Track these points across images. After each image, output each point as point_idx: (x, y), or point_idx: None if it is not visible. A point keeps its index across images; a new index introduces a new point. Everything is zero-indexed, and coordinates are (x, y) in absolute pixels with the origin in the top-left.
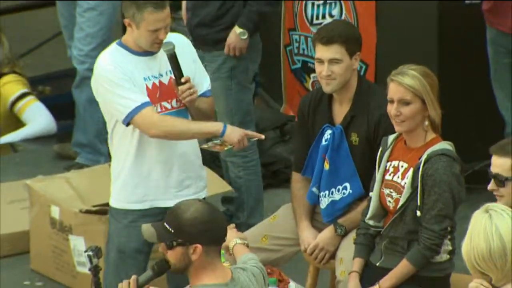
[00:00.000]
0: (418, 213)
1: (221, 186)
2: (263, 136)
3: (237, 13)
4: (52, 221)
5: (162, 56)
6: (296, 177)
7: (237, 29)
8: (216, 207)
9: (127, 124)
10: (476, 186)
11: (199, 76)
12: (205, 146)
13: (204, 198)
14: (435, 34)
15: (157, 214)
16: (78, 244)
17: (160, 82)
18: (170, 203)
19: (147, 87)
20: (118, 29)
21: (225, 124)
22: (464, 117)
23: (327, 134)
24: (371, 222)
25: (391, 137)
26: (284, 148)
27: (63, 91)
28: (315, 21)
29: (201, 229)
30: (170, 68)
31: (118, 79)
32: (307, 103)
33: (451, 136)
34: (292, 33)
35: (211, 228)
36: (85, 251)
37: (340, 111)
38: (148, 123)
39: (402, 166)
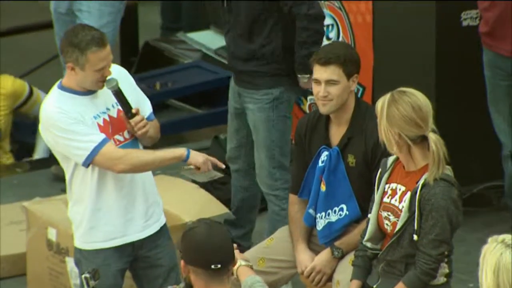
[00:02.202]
0: (415, 237)
1: (218, 209)
2: (223, 166)
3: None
4: (49, 243)
5: (103, 90)
6: (293, 199)
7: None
8: (223, 230)
9: (88, 166)
10: (474, 209)
11: (141, 102)
12: (182, 171)
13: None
14: (433, 57)
15: (128, 249)
16: (75, 266)
17: (109, 116)
18: (141, 235)
19: (98, 125)
20: (116, 50)
21: (187, 148)
22: (461, 140)
23: (324, 155)
24: (368, 244)
25: (390, 159)
26: None
27: None
28: None
29: (191, 251)
30: (115, 101)
31: (69, 124)
32: (304, 125)
33: (447, 158)
34: None
35: (199, 251)
36: (82, 274)
37: (337, 133)
38: (112, 160)
39: (399, 189)
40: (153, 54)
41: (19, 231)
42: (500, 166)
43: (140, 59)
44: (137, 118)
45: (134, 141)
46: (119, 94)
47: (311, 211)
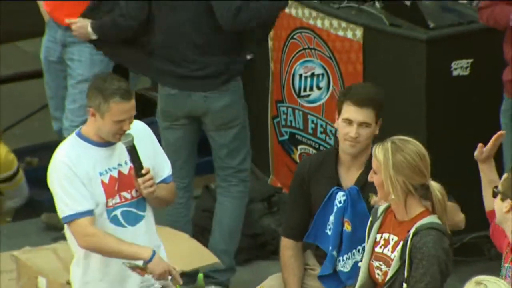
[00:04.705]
0: (405, 285)
1: (208, 258)
2: (181, 282)
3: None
4: None
5: (121, 145)
6: (287, 244)
7: None
8: None
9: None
10: (465, 259)
11: (159, 163)
12: (127, 264)
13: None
14: (423, 106)
15: None
16: None
17: (119, 172)
18: None
19: (102, 182)
20: None
21: (154, 251)
22: (451, 189)
23: (340, 196)
24: None
25: (380, 208)
26: (271, 219)
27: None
28: (302, 93)
29: None
30: (129, 158)
31: (66, 178)
32: (306, 168)
33: None
34: (280, 105)
35: None
36: None
37: (349, 174)
38: (80, 234)
39: (392, 239)
40: (144, 103)
41: (8, 281)
42: None
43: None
44: (145, 177)
45: (141, 200)
46: (132, 151)
47: (334, 253)
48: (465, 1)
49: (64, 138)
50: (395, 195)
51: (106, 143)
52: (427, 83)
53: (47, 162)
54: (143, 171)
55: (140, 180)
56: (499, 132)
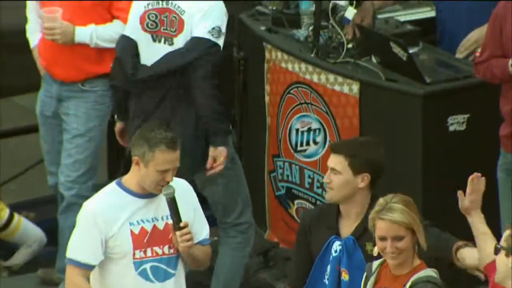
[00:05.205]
0: None
1: None
2: None
3: None
4: None
5: (160, 200)
6: None
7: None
8: None
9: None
10: None
11: (198, 224)
12: None
13: None
14: (419, 161)
15: None
16: None
17: (154, 226)
18: None
19: (132, 232)
20: (103, 152)
21: None
22: None
23: (336, 245)
24: None
25: (375, 263)
26: (268, 274)
27: (47, 217)
28: (299, 148)
29: None
30: (167, 213)
31: (85, 224)
32: (308, 219)
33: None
34: (276, 160)
35: None
36: None
37: (347, 224)
38: (68, 278)
39: None
40: None
41: None
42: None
43: (127, 161)
44: (183, 230)
45: (172, 258)
46: (172, 203)
47: None
48: (460, 56)
49: (59, 193)
50: (411, 249)
51: (145, 195)
52: (424, 138)
53: (43, 217)
54: (182, 224)
55: (178, 233)
56: (473, 175)
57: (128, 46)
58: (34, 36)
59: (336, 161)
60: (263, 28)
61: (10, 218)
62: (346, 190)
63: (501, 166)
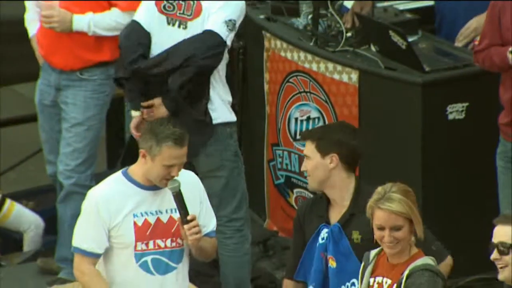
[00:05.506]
0: None
1: None
2: None
3: None
4: None
5: (166, 193)
6: (289, 285)
7: None
8: None
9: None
10: None
11: (205, 217)
12: None
13: None
14: (418, 150)
15: None
16: None
17: (158, 219)
18: None
19: (135, 224)
20: (102, 142)
21: None
22: (448, 232)
23: (324, 233)
24: None
25: (372, 252)
26: (267, 263)
27: (46, 206)
28: (298, 137)
29: None
30: (172, 207)
31: (89, 212)
32: (303, 210)
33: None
34: (276, 149)
35: None
36: None
37: (335, 211)
38: (76, 266)
39: (386, 283)
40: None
41: None
42: (487, 259)
43: (127, 151)
44: (191, 224)
45: (175, 252)
46: (178, 197)
47: None
48: (459, 45)
49: (58, 182)
50: (409, 238)
51: (150, 187)
52: (423, 126)
53: (42, 206)
54: (189, 218)
55: (186, 226)
56: None
57: (133, 34)
58: (32, 25)
59: (306, 148)
60: (262, 16)
61: (2, 202)
62: (319, 174)
63: (500, 154)
